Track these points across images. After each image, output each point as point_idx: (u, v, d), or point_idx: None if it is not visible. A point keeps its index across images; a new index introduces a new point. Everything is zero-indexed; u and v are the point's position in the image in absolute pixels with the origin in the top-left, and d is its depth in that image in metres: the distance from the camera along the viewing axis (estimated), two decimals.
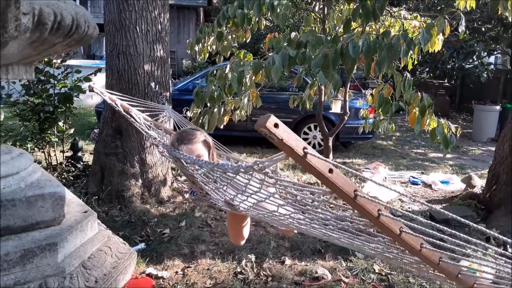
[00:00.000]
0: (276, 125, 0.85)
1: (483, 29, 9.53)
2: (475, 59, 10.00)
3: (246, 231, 2.34)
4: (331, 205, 2.39)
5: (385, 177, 5.55)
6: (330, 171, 0.95)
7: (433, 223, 1.31)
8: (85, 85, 4.47)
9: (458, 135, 3.93)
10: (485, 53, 10.25)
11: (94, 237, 1.16)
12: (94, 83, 2.83)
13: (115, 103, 2.48)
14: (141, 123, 2.41)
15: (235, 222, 2.27)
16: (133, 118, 2.43)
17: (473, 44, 9.57)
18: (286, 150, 0.88)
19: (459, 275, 1.29)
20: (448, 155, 7.39)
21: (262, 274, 2.98)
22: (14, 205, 1.02)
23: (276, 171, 1.04)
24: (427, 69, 12.25)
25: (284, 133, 0.86)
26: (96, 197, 3.93)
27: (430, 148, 8.03)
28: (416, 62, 4.54)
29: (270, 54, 3.40)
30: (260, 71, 3.10)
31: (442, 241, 3.25)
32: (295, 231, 2.42)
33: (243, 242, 2.39)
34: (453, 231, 1.22)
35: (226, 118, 4.31)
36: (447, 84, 12.41)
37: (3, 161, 1.06)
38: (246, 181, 1.17)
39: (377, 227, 1.12)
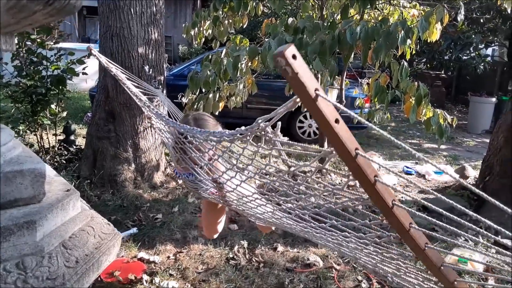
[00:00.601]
0: (294, 56, 0.79)
1: (481, 20, 9.48)
2: (472, 51, 9.97)
3: (220, 226, 2.32)
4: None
5: (379, 167, 5.54)
6: (337, 121, 0.89)
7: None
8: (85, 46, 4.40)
9: (454, 126, 3.92)
10: (483, 45, 10.21)
11: (76, 217, 1.13)
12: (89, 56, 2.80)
13: (111, 70, 2.44)
14: (135, 92, 2.36)
15: (210, 212, 2.23)
16: (127, 88, 2.40)
17: (471, 35, 9.53)
18: (298, 87, 0.82)
19: (442, 267, 1.26)
20: (443, 146, 7.40)
21: (254, 260, 2.98)
22: None
23: (276, 133, 0.99)
24: (424, 60, 12.22)
25: (301, 67, 0.80)
26: (88, 181, 3.90)
27: (425, 139, 8.04)
28: (414, 52, 4.51)
29: (267, 39, 3.35)
30: (256, 57, 3.06)
31: (434, 230, 3.26)
32: (273, 228, 2.38)
33: (215, 236, 2.36)
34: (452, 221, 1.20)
35: (221, 105, 4.27)
36: (443, 75, 12.39)
37: None
38: (240, 150, 1.13)
39: (369, 195, 1.07)
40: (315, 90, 0.83)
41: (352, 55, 4.25)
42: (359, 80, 5.65)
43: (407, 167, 5.59)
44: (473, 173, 4.99)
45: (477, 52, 10.18)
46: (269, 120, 0.94)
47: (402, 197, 4.46)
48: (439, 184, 5.08)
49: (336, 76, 5.39)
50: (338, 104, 0.89)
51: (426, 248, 1.17)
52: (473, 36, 9.51)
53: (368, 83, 4.72)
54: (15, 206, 1.01)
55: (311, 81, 0.83)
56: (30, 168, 1.01)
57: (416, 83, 3.46)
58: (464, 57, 10.58)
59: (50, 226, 1.03)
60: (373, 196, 1.06)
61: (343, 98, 4.90)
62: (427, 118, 3.56)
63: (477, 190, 0.85)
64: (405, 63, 3.19)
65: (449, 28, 8.69)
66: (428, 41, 3.97)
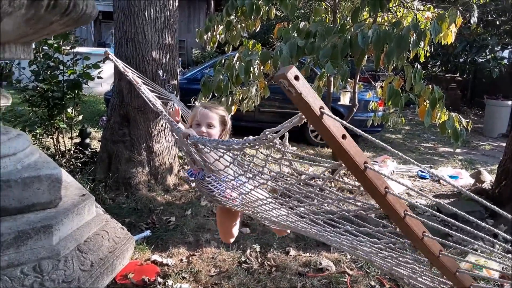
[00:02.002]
0: (296, 78, 0.80)
1: (497, 22, 9.34)
2: (488, 53, 9.82)
3: (235, 229, 2.33)
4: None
5: (393, 171, 5.50)
6: (344, 137, 0.90)
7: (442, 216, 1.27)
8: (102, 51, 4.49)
9: (469, 129, 3.88)
10: (499, 47, 10.06)
11: (91, 221, 1.15)
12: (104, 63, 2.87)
13: (127, 74, 2.49)
14: (149, 97, 2.41)
15: (225, 217, 2.25)
16: (142, 93, 2.44)
17: (486, 37, 9.39)
18: (302, 106, 0.84)
19: (457, 273, 1.25)
20: (458, 150, 7.30)
21: (266, 264, 2.98)
22: (9, 186, 1.01)
23: (285, 144, 1.00)
24: (439, 62, 12.08)
25: (304, 87, 0.82)
26: (103, 184, 3.95)
27: (440, 143, 7.95)
28: (428, 54, 4.47)
29: (278, 44, 3.36)
30: (268, 61, 3.07)
31: (448, 235, 3.22)
32: (288, 231, 2.39)
33: (232, 240, 2.38)
34: (461, 225, 1.18)
35: (234, 108, 4.29)
36: (459, 78, 12.24)
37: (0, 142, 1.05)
38: (250, 159, 1.14)
39: (381, 207, 1.07)
40: (320, 109, 0.85)
41: (365, 58, 4.26)
42: (373, 83, 5.62)
43: (422, 171, 5.53)
44: (489, 178, 4.91)
45: (493, 55, 10.03)
46: (276, 132, 0.96)
47: (416, 202, 4.42)
48: (454, 188, 5.00)
49: (349, 79, 5.38)
50: (343, 121, 0.90)
51: (440, 255, 1.16)
52: (489, 38, 9.37)
53: (381, 86, 4.69)
54: (33, 210, 1.04)
55: (315, 100, 0.84)
56: (47, 174, 1.03)
57: (430, 86, 3.43)
58: (480, 60, 10.43)
59: (66, 230, 1.05)
60: (384, 207, 1.06)
61: (356, 102, 4.88)
62: (442, 121, 3.52)
63: (476, 197, 0.85)
64: (419, 66, 3.17)
65: (464, 30, 8.59)
66: (443, 43, 3.94)
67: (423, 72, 3.40)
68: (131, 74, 2.60)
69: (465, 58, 10.57)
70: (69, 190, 1.19)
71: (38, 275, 0.92)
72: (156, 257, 2.98)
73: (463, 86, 12.38)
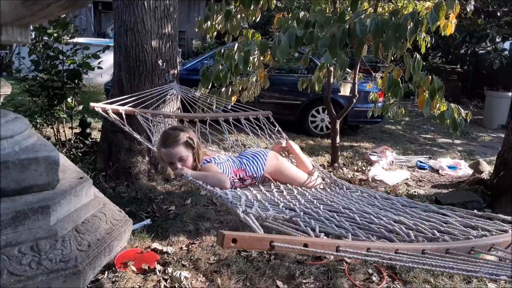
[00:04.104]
0: (234, 240, 0.90)
1: (498, 13, 9.30)
2: (489, 44, 9.80)
3: None
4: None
5: (392, 161, 5.52)
6: (305, 245, 1.02)
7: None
8: (94, 63, 4.51)
9: (468, 120, 3.89)
10: (500, 38, 10.02)
11: (89, 203, 1.17)
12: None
13: (120, 120, 2.60)
14: (145, 128, 2.61)
15: None
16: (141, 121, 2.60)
17: (486, 27, 9.36)
18: (257, 249, 0.97)
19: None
20: (457, 141, 7.32)
21: (265, 252, 3.01)
22: (7, 168, 1.02)
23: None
24: (440, 54, 12.05)
25: (244, 242, 0.93)
26: (104, 173, 3.98)
27: (439, 134, 7.96)
28: (429, 45, 4.46)
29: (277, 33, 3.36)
30: (267, 51, 3.07)
31: (446, 224, 3.24)
32: None
33: None
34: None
35: (233, 99, 4.30)
36: (459, 69, 12.20)
37: None
38: None
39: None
40: (269, 243, 0.95)
41: (366, 49, 4.25)
42: (373, 74, 5.62)
43: (421, 162, 5.55)
44: (487, 168, 4.93)
45: (493, 46, 10.00)
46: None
47: (414, 192, 4.44)
48: (452, 179, 5.03)
49: (350, 70, 5.38)
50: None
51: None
52: (489, 29, 9.34)
53: (382, 77, 4.69)
54: (30, 192, 1.05)
55: (262, 241, 0.95)
56: (45, 156, 1.05)
57: (430, 76, 3.43)
58: (481, 51, 10.40)
59: (64, 212, 1.07)
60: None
61: (356, 93, 4.88)
62: (441, 112, 3.54)
63: None
64: (418, 56, 3.17)
65: (464, 21, 8.55)
66: (443, 34, 3.94)
67: (424, 63, 3.41)
68: (123, 109, 2.77)
69: (466, 49, 10.54)
70: (67, 173, 1.21)
71: (36, 254, 0.94)
72: (156, 245, 3.01)
73: (463, 78, 12.34)
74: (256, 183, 2.29)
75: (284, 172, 2.33)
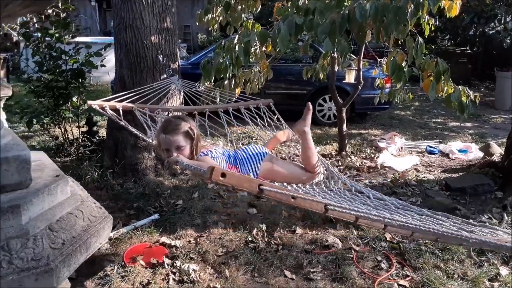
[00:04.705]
0: (223, 175, 0.91)
1: None
2: (497, 24, 9.58)
3: None
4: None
5: (401, 147, 5.46)
6: (293, 197, 1.05)
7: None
8: (98, 62, 4.53)
9: (477, 102, 3.82)
10: (509, 17, 9.80)
11: (65, 201, 1.17)
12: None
13: (117, 115, 2.63)
14: (142, 122, 2.69)
15: None
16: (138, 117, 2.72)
17: (494, 7, 9.14)
18: (244, 190, 0.97)
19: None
20: (468, 124, 7.22)
21: (273, 243, 3.01)
22: None
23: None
24: (448, 36, 11.83)
25: (233, 179, 0.93)
26: (111, 170, 4.00)
27: (450, 117, 7.85)
28: (433, 28, 4.38)
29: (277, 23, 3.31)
30: (267, 41, 3.04)
31: (456, 209, 3.22)
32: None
33: None
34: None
35: (237, 91, 4.27)
36: (469, 51, 11.98)
37: None
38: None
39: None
40: (258, 187, 0.97)
41: (370, 35, 4.19)
42: (378, 60, 5.54)
43: (430, 147, 5.48)
44: (498, 150, 4.85)
45: (503, 26, 9.78)
46: None
47: (424, 177, 4.39)
48: (463, 162, 4.96)
49: (354, 57, 5.31)
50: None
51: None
52: (497, 9, 9.12)
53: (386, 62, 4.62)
54: (3, 192, 1.05)
55: (250, 182, 0.97)
56: (15, 155, 1.04)
57: (434, 59, 3.37)
58: (490, 32, 10.19)
59: (37, 210, 1.06)
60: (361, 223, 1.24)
61: (361, 79, 4.82)
62: (447, 94, 3.47)
63: None
64: (421, 39, 3.11)
65: (471, 1, 8.37)
66: (448, 16, 3.86)
67: (432, 46, 3.34)
68: (121, 105, 2.79)
69: (474, 30, 10.34)
70: (44, 172, 1.20)
71: (7, 254, 0.95)
72: (164, 239, 3.03)
73: (473, 60, 12.12)
74: None
75: (280, 173, 2.27)
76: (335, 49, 2.90)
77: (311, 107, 2.43)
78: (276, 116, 3.07)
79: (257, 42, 3.27)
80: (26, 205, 1.02)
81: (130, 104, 2.84)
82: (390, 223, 1.23)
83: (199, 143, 2.15)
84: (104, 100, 2.78)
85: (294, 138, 2.79)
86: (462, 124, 7.02)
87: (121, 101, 2.83)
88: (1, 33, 4.52)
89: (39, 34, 4.38)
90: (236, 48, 3.31)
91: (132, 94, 2.92)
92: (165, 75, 3.76)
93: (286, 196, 0.98)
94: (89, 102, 2.66)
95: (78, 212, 1.14)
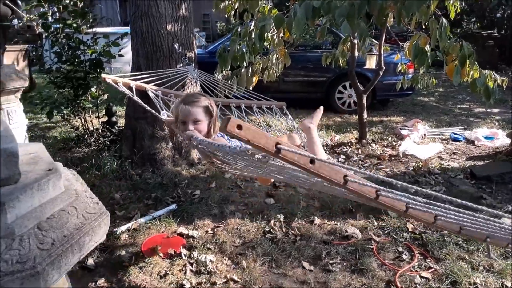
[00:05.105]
0: (239, 127, 0.82)
1: None
2: None
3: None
4: None
5: (424, 135, 5.30)
6: (312, 161, 0.93)
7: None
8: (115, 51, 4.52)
9: (504, 87, 3.65)
10: None
11: (57, 197, 1.10)
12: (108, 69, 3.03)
13: (130, 91, 2.61)
14: (156, 103, 2.63)
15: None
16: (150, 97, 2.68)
17: None
18: (258, 148, 0.87)
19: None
20: (495, 110, 6.96)
21: (290, 233, 2.96)
22: None
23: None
24: (474, 19, 11.41)
25: (249, 133, 0.84)
26: (130, 160, 4.01)
27: (475, 103, 7.59)
28: (459, 10, 4.19)
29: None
30: (283, 26, 2.95)
31: (482, 198, 3.09)
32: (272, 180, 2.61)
33: (269, 182, 2.42)
34: None
35: (255, 79, 4.20)
36: (496, 34, 11.54)
37: None
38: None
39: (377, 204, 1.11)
40: (276, 145, 0.87)
41: (392, 18, 4.03)
42: (401, 44, 5.37)
43: (455, 134, 5.31)
44: None
45: None
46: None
47: (448, 165, 4.25)
48: (489, 150, 4.78)
49: (376, 42, 5.16)
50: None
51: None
52: None
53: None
54: None
55: (267, 139, 0.87)
56: (1, 148, 0.98)
57: (459, 42, 3.22)
58: None
59: (25, 208, 1.00)
60: (381, 205, 1.09)
61: (383, 65, 4.68)
62: (472, 79, 3.32)
63: None
64: (445, 21, 2.97)
65: None
66: None
67: (458, 30, 3.19)
68: (134, 84, 2.75)
69: (502, 12, 9.93)
70: (38, 165, 1.15)
71: None
72: (182, 229, 3.02)
73: (500, 43, 11.67)
74: None
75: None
76: (355, 33, 2.79)
77: (322, 108, 2.44)
78: (289, 117, 3.03)
79: (273, 27, 3.18)
80: (12, 203, 0.97)
81: (144, 84, 2.81)
82: (440, 215, 1.15)
83: (217, 122, 2.09)
84: (118, 76, 2.77)
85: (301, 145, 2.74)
86: (488, 110, 6.77)
87: (136, 80, 2.81)
88: (22, 24, 4.55)
89: (58, 25, 4.40)
90: (253, 35, 3.24)
91: (147, 76, 2.90)
92: (181, 64, 3.71)
93: (305, 158, 0.90)
94: (103, 75, 2.66)
95: (72, 209, 1.08)
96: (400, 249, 2.77)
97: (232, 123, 0.80)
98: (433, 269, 2.55)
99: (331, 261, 2.63)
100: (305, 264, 2.61)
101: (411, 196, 1.09)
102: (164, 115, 2.53)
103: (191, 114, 1.96)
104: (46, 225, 1.00)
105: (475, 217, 1.15)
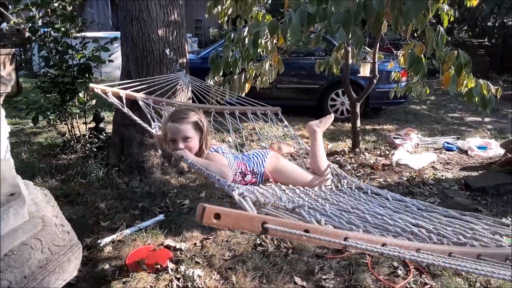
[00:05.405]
0: (217, 216, 0.72)
1: None
2: None
3: None
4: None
5: (417, 144, 5.25)
6: (306, 231, 0.85)
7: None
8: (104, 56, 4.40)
9: (498, 96, 3.60)
10: None
11: (19, 228, 0.96)
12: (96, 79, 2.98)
13: (120, 101, 2.53)
14: (147, 113, 2.55)
15: None
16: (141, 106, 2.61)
17: None
18: (245, 231, 0.78)
19: None
20: (487, 119, 6.95)
21: (282, 246, 2.86)
22: None
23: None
24: (466, 28, 11.48)
25: (229, 220, 0.73)
26: (117, 168, 3.89)
27: (467, 112, 7.58)
28: (452, 18, 4.16)
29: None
30: (277, 32, 2.87)
31: (477, 210, 2.99)
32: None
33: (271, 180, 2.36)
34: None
35: (247, 86, 4.12)
36: (487, 43, 11.61)
37: None
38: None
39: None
40: (262, 224, 0.78)
41: (386, 26, 3.98)
42: (394, 52, 5.33)
43: (448, 143, 5.26)
44: None
45: None
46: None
47: (442, 176, 4.19)
48: (483, 160, 4.74)
49: (369, 50, 5.11)
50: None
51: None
52: None
53: (403, 55, 4.41)
54: None
55: (250, 222, 0.77)
56: None
57: (456, 51, 3.17)
58: (510, 23, 9.83)
59: None
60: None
61: (377, 73, 4.62)
62: (468, 89, 3.27)
63: None
64: (442, 29, 2.91)
65: None
66: (468, 5, 3.65)
67: (449, 38, 3.15)
68: (124, 93, 2.67)
69: (494, 21, 9.99)
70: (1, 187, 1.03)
71: None
72: (169, 241, 2.90)
73: (492, 52, 11.74)
74: (257, 183, 2.13)
75: (285, 172, 2.15)
76: (350, 40, 2.72)
77: (332, 116, 2.51)
78: (284, 123, 2.95)
79: (267, 33, 3.10)
80: None
81: (134, 93, 2.71)
82: (423, 247, 1.07)
83: (208, 137, 2.00)
84: (106, 85, 2.66)
85: (299, 153, 2.66)
86: (482, 120, 6.76)
87: (125, 89, 2.70)
88: (11, 27, 4.44)
89: (46, 29, 4.28)
90: (246, 41, 3.16)
91: (137, 83, 2.79)
92: (172, 70, 3.61)
93: (298, 229, 0.82)
94: (91, 85, 2.55)
95: (36, 242, 0.94)
96: (395, 264, 2.68)
97: (208, 213, 0.70)
98: (429, 286, 2.47)
99: (324, 277, 2.53)
100: (297, 279, 2.51)
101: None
102: (156, 127, 2.43)
103: (180, 131, 1.87)
104: (2, 265, 0.87)
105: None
